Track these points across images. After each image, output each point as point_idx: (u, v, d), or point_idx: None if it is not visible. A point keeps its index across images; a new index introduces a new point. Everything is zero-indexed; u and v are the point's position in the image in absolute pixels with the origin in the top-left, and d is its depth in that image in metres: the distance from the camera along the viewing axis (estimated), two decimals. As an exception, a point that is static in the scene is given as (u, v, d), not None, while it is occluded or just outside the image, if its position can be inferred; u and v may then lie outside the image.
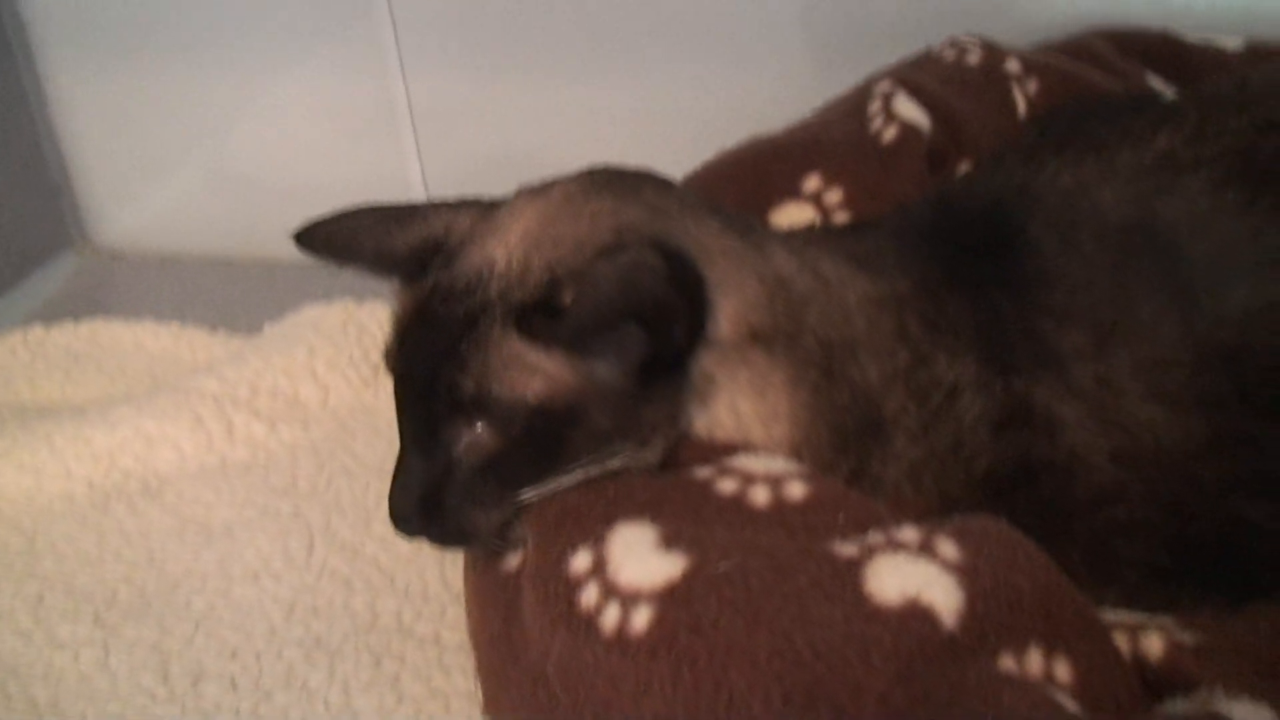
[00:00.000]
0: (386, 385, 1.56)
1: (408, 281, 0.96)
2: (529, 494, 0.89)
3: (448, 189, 1.96)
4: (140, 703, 1.14)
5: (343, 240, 0.98)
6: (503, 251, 0.90)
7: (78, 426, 1.48)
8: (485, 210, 0.97)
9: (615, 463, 0.89)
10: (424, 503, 0.90)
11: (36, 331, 1.80)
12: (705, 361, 0.91)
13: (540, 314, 0.86)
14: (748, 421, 0.93)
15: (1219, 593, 0.93)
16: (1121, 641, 0.85)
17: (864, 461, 0.95)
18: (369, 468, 1.45)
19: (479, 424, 0.88)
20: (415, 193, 1.99)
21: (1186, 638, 0.87)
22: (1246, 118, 1.01)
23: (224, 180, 2.08)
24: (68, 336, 1.79)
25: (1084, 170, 1.03)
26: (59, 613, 1.25)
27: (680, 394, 0.91)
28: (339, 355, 1.61)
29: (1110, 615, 0.89)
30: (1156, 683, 0.83)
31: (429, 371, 0.88)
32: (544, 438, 0.88)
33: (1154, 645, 0.86)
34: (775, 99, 1.54)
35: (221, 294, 1.97)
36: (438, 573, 1.27)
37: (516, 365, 0.86)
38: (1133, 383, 0.94)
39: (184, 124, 2.03)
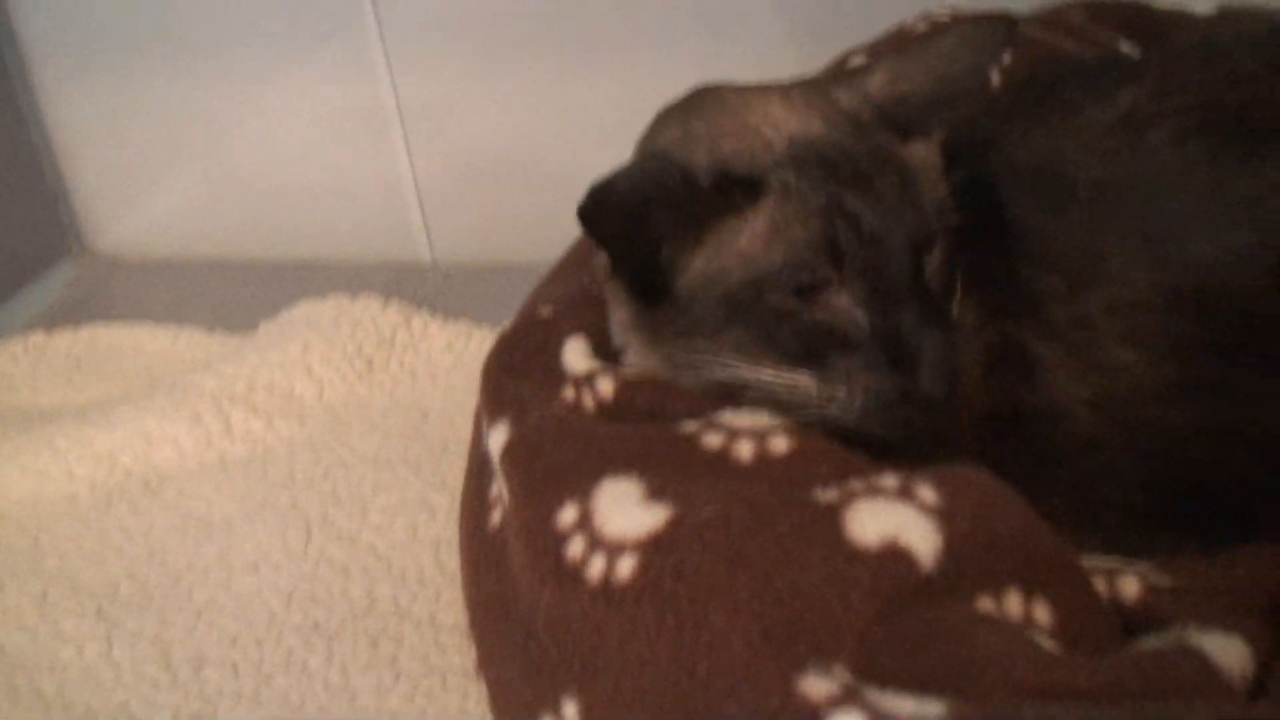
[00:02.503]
0: (379, 378, 1.59)
1: None
2: None
3: (439, 187, 1.98)
4: (144, 691, 1.15)
5: None
6: None
7: (79, 428, 1.50)
8: None
9: None
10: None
11: (37, 338, 1.82)
12: None
13: None
14: None
15: (1196, 538, 0.94)
16: (1099, 585, 0.87)
17: None
18: (364, 459, 1.47)
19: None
20: (407, 192, 2.00)
21: (1163, 581, 0.89)
22: (1211, 72, 1.02)
23: (219, 185, 2.09)
24: (68, 342, 1.82)
25: (1051, 128, 1.05)
26: (63, 609, 1.27)
27: None
28: (333, 350, 1.63)
29: (1090, 560, 0.90)
30: (1133, 623, 0.85)
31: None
32: None
33: (1130, 587, 0.88)
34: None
35: (218, 296, 1.98)
36: (433, 557, 1.28)
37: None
38: (1107, 323, 0.96)
39: (178, 131, 2.06)
